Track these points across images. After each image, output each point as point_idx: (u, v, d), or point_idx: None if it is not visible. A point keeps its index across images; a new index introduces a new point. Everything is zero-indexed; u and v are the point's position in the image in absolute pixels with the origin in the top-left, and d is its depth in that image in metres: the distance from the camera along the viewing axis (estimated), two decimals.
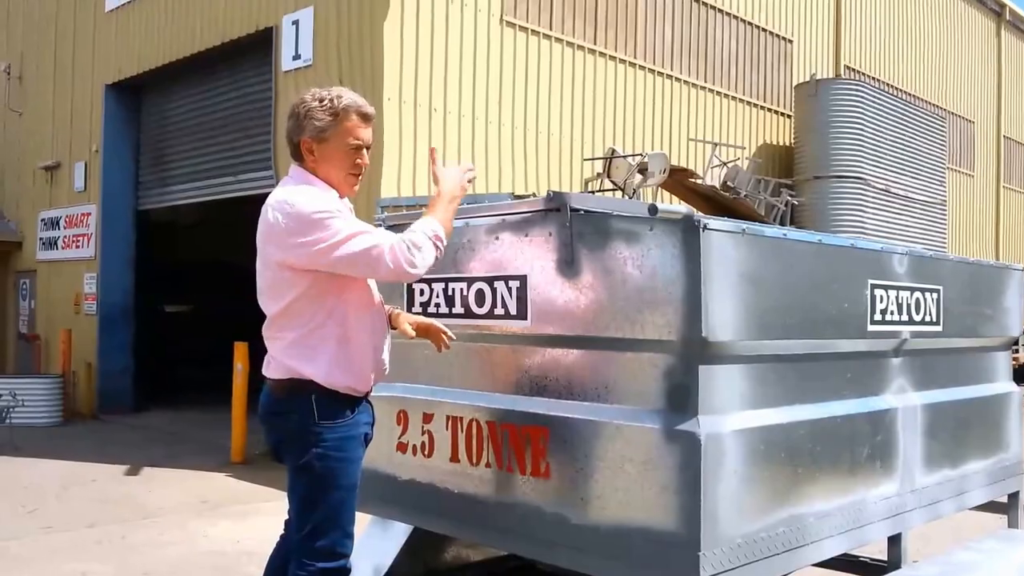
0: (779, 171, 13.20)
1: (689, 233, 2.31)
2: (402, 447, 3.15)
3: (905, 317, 3.11)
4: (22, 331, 14.85)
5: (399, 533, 3.85)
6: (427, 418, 3.06)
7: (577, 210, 2.57)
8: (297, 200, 2.58)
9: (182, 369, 15.67)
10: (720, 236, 2.34)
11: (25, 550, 6.50)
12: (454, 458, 2.97)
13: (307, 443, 2.66)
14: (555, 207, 2.63)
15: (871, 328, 2.94)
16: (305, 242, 2.52)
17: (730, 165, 11.84)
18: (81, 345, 12.95)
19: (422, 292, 3.11)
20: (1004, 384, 3.85)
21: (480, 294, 2.90)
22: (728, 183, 11.40)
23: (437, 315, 3.05)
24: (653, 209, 2.30)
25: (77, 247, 13.44)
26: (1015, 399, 3.86)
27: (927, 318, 3.23)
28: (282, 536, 3.05)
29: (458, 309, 2.98)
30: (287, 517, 3.01)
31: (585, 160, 10.43)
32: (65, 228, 13.71)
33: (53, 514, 7.57)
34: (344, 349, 2.67)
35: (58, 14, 14.21)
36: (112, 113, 13.02)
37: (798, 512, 2.63)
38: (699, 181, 10.43)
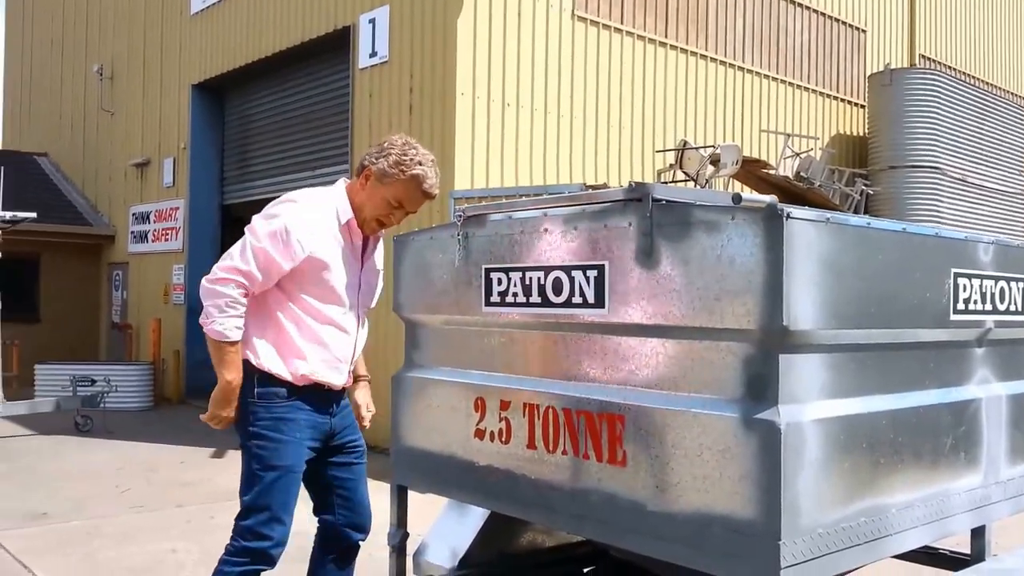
0: (853, 161, 12.93)
1: (772, 222, 2.31)
2: (480, 433, 3.22)
3: (989, 307, 3.06)
4: (115, 320, 15.53)
5: (476, 518, 3.93)
6: (504, 405, 3.12)
7: (659, 200, 2.60)
8: (284, 210, 2.99)
9: None
10: (803, 225, 2.34)
11: (117, 529, 6.81)
12: (531, 445, 3.02)
13: (245, 421, 2.93)
14: (636, 197, 2.66)
15: (953, 317, 2.90)
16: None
17: (803, 156, 11.64)
18: (170, 334, 13.48)
19: (499, 282, 3.17)
20: None
21: (558, 283, 2.95)
22: (801, 174, 11.22)
23: (515, 304, 3.11)
24: (737, 198, 2.32)
25: (166, 240, 13.98)
26: None
27: (1012, 307, 3.17)
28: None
29: (535, 298, 3.03)
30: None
31: (657, 152, 10.40)
32: (155, 222, 14.30)
33: (144, 495, 7.92)
34: (281, 341, 3.00)
35: (146, 17, 14.79)
36: (198, 111, 13.53)
37: (879, 503, 2.61)
38: (772, 172, 10.29)
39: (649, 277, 2.65)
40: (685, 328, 2.55)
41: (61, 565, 5.73)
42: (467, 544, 3.83)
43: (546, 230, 3.00)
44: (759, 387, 2.39)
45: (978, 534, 3.17)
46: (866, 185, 12.18)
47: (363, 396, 3.43)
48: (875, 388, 2.63)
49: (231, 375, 2.95)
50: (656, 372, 2.66)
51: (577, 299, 2.87)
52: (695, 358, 2.55)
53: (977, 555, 3.18)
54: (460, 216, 3.23)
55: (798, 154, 11.60)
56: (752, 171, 9.98)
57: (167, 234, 13.95)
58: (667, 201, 2.61)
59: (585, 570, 4.46)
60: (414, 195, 3.02)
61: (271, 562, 2.96)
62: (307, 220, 2.96)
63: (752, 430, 2.37)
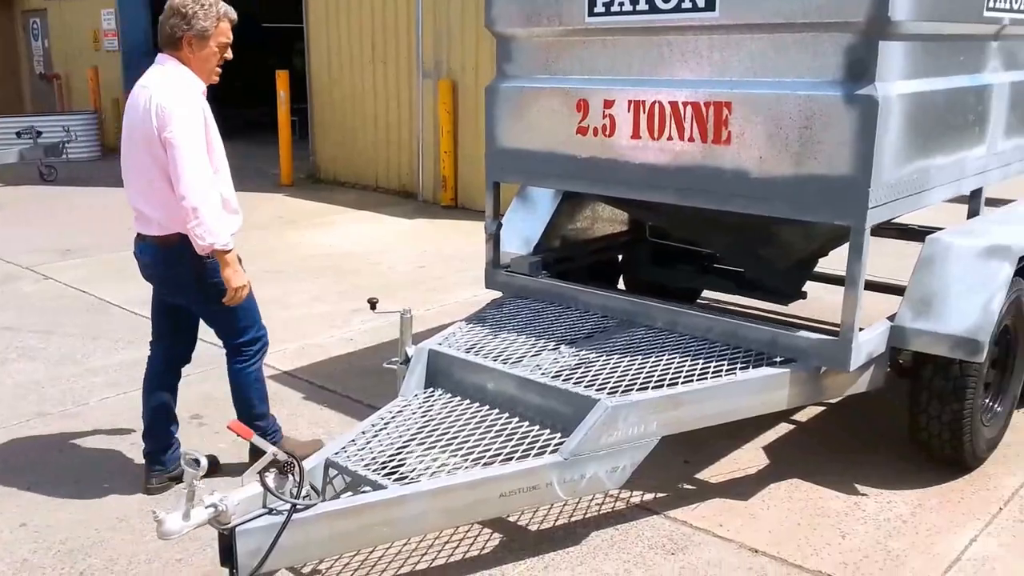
0: None
1: None
2: (582, 130, 3.73)
3: (1005, 5, 3.67)
4: (40, 71, 14.74)
5: (543, 213, 4.59)
6: (608, 104, 3.63)
7: None
8: (167, 97, 3.16)
9: None
10: None
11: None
12: (635, 135, 3.58)
13: (209, 277, 3.32)
14: None
15: (985, 14, 3.52)
16: (166, 137, 3.12)
17: None
18: (107, 82, 13.05)
19: None
20: None
21: None
22: None
23: (621, 13, 3.54)
24: None
25: None
26: None
27: (1016, 6, 3.79)
28: (154, 354, 3.69)
29: (642, 6, 3.46)
30: (152, 339, 3.67)
31: None
32: None
33: None
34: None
35: None
36: None
37: (926, 164, 3.35)
38: None
39: None
40: (795, 24, 3.08)
41: (111, 289, 6.23)
42: (538, 234, 4.51)
43: None
44: (859, 69, 2.99)
45: (976, 195, 4.01)
46: None
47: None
48: (935, 71, 3.28)
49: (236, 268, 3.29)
50: (763, 64, 3.20)
51: (687, 4, 3.33)
52: (801, 49, 3.10)
53: (974, 211, 4.05)
54: None
55: None
56: None
57: None
58: None
59: (620, 257, 5.26)
60: (226, 29, 3.31)
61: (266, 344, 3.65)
62: (196, 97, 3.24)
63: (853, 104, 2.99)
